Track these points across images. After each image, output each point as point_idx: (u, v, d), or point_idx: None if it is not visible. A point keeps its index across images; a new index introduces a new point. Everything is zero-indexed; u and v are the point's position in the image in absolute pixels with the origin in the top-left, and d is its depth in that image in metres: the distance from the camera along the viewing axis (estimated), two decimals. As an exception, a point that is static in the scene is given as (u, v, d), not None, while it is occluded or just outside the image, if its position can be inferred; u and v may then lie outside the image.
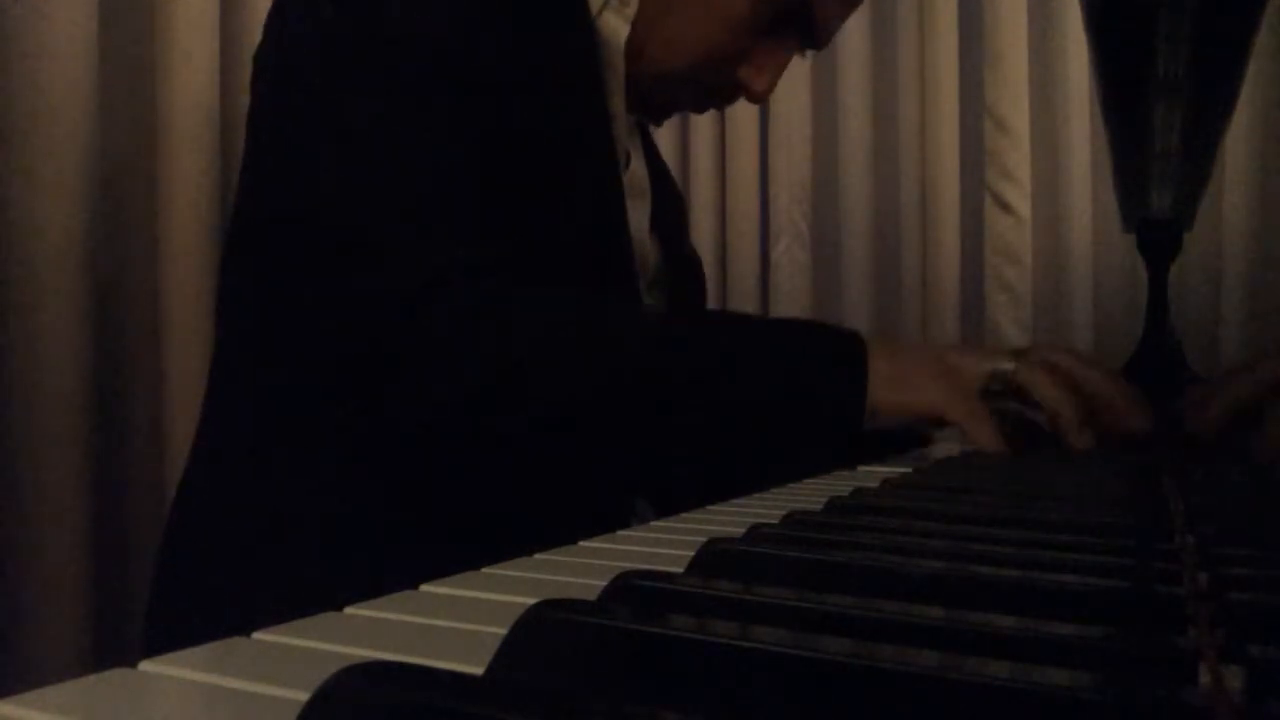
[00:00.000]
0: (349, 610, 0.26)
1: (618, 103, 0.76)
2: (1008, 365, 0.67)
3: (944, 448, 0.74)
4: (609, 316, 0.67)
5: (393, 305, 0.61)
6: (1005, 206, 1.30)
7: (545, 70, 0.70)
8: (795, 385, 0.65)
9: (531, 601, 0.21)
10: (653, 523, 0.42)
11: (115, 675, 0.20)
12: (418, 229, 0.63)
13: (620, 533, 0.39)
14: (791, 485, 0.54)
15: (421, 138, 0.64)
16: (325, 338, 0.64)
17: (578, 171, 0.72)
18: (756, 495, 0.50)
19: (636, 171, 0.82)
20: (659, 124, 0.89)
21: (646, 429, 0.65)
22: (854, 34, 1.38)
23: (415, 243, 0.63)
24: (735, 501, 0.47)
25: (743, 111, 1.43)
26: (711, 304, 1.46)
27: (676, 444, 0.65)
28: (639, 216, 0.82)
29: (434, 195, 0.64)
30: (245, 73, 0.74)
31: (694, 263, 0.99)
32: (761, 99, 0.78)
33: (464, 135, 0.65)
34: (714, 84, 0.78)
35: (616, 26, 0.74)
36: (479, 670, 0.20)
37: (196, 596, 0.68)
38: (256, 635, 0.24)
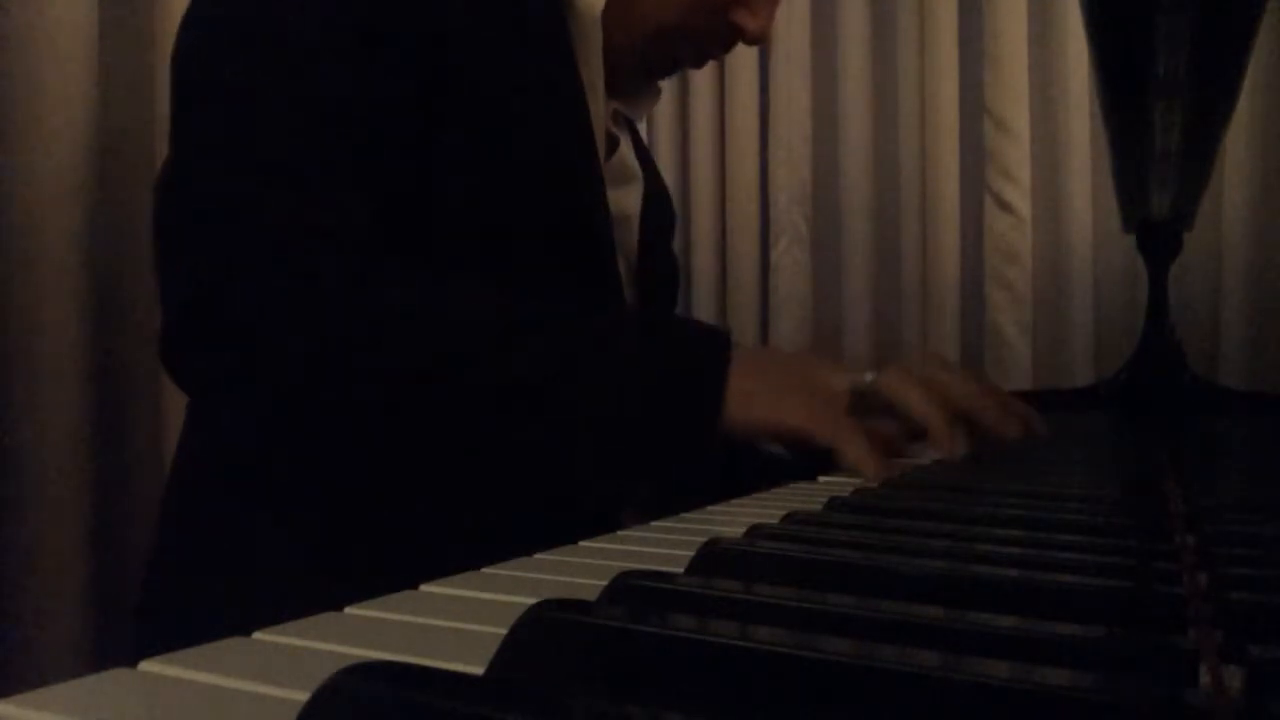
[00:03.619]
0: (349, 610, 0.26)
1: (594, 74, 0.74)
2: (867, 377, 0.64)
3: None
4: (453, 300, 0.63)
5: (246, 266, 0.59)
6: (1005, 206, 1.31)
7: (497, 35, 0.68)
8: (635, 399, 0.60)
9: (531, 601, 0.21)
10: (653, 523, 0.42)
11: (115, 675, 0.20)
12: (282, 188, 0.61)
13: (620, 533, 0.39)
14: (792, 485, 0.54)
15: (301, 96, 0.62)
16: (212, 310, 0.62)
17: (545, 142, 0.70)
18: (756, 495, 0.50)
19: (625, 156, 0.81)
20: (654, 84, 0.86)
21: (473, 429, 0.60)
22: (854, 34, 1.38)
23: (275, 202, 0.60)
24: (735, 501, 0.47)
25: (743, 112, 1.43)
26: (711, 304, 1.46)
27: (515, 447, 0.60)
28: (630, 199, 0.81)
29: (303, 156, 0.62)
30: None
31: (667, 267, 0.97)
32: (759, 40, 0.76)
33: (367, 94, 0.63)
34: (708, 31, 0.76)
35: None
36: (479, 670, 0.20)
37: (187, 595, 0.68)
38: (256, 635, 0.24)
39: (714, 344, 0.64)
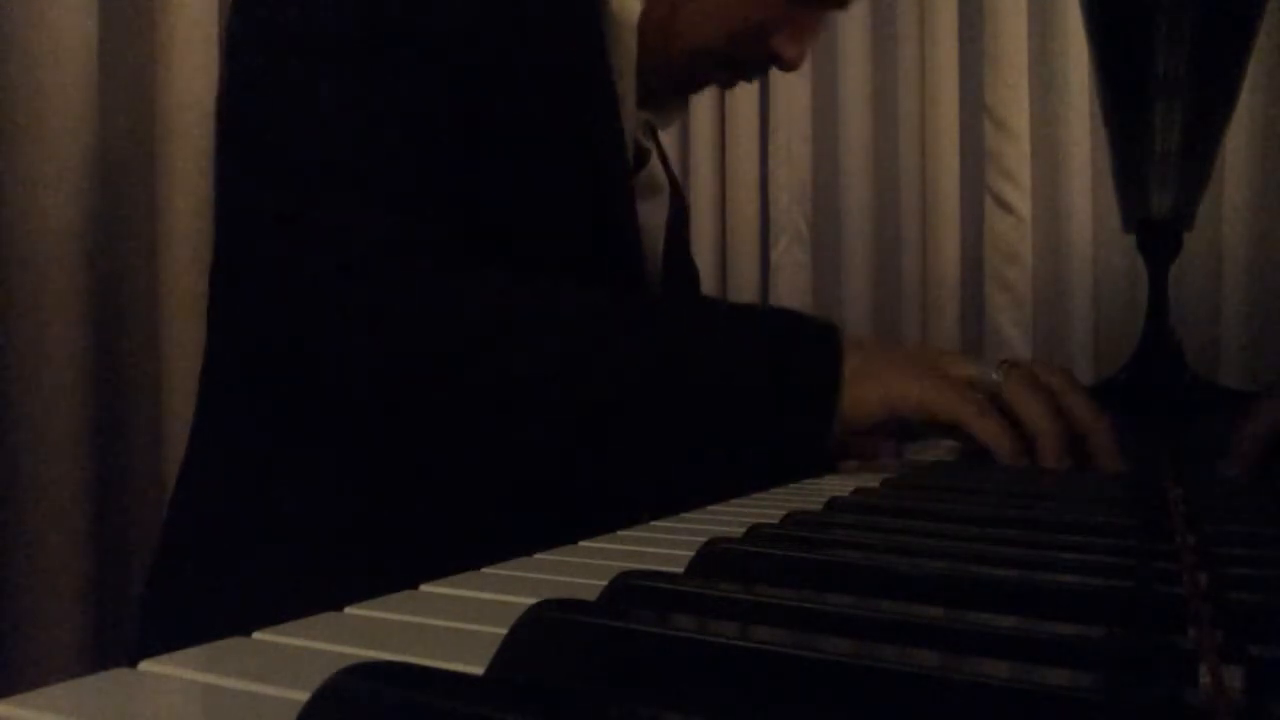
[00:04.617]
0: (349, 610, 0.26)
1: (626, 87, 0.73)
2: (995, 375, 0.61)
3: (941, 450, 0.74)
4: (545, 298, 0.63)
5: (313, 280, 0.59)
6: (1005, 206, 1.30)
7: (538, 43, 0.68)
8: (755, 377, 0.60)
9: (531, 601, 0.21)
10: (653, 523, 0.42)
11: (115, 675, 0.20)
12: (346, 202, 0.61)
13: (620, 533, 0.39)
14: (791, 485, 0.54)
15: (358, 107, 0.62)
16: (271, 322, 0.62)
17: (578, 154, 0.70)
18: (756, 495, 0.50)
19: (654, 169, 0.81)
20: (684, 97, 0.85)
21: (586, 423, 0.60)
22: (854, 34, 1.38)
23: (341, 216, 0.60)
24: (735, 501, 0.47)
25: (743, 112, 1.43)
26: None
27: (625, 436, 0.60)
28: (658, 211, 0.81)
29: (367, 167, 0.61)
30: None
31: (690, 272, 0.97)
32: (795, 67, 0.76)
33: (411, 104, 0.62)
34: (747, 56, 0.76)
35: (627, 3, 0.72)
36: (479, 670, 0.20)
37: (193, 595, 0.68)
38: (256, 635, 0.24)
39: (825, 327, 0.62)
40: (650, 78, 0.75)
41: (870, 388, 0.59)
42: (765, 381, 0.60)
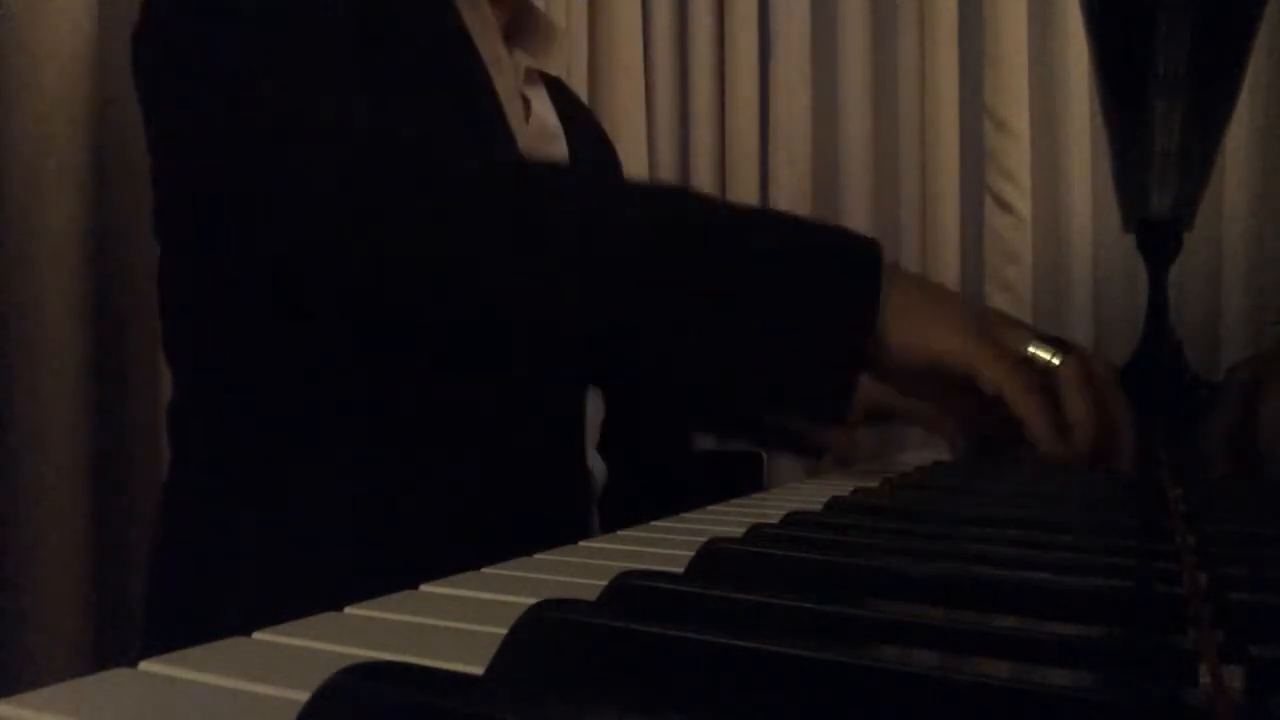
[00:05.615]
0: (349, 610, 0.26)
1: (493, 47, 0.72)
2: (1054, 358, 0.56)
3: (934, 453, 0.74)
4: (564, 183, 0.59)
5: (303, 182, 0.56)
6: (1005, 206, 1.30)
7: (400, 14, 0.66)
8: (784, 291, 0.53)
9: (531, 601, 0.21)
10: (653, 523, 0.42)
11: (115, 675, 0.20)
12: (305, 77, 0.58)
13: (620, 533, 0.39)
14: (791, 485, 0.54)
15: (280, 19, 0.60)
16: (246, 228, 0.60)
17: (455, 116, 0.68)
18: (756, 495, 0.50)
19: (542, 116, 0.80)
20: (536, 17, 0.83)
21: (599, 316, 0.55)
22: (854, 34, 1.38)
23: (307, 88, 0.58)
24: (735, 501, 0.48)
25: (743, 112, 1.43)
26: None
27: (636, 340, 0.55)
28: (554, 159, 0.79)
29: (319, 48, 0.60)
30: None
31: None
32: None
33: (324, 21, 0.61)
34: None
35: None
36: (479, 670, 0.20)
37: (193, 595, 0.68)
38: (256, 635, 0.24)
39: (869, 248, 0.55)
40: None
41: (916, 331, 0.53)
42: (791, 290, 0.53)
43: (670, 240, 0.55)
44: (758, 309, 0.53)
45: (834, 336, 0.53)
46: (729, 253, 0.54)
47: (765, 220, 0.61)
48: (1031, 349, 0.57)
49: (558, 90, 0.88)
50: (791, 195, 1.41)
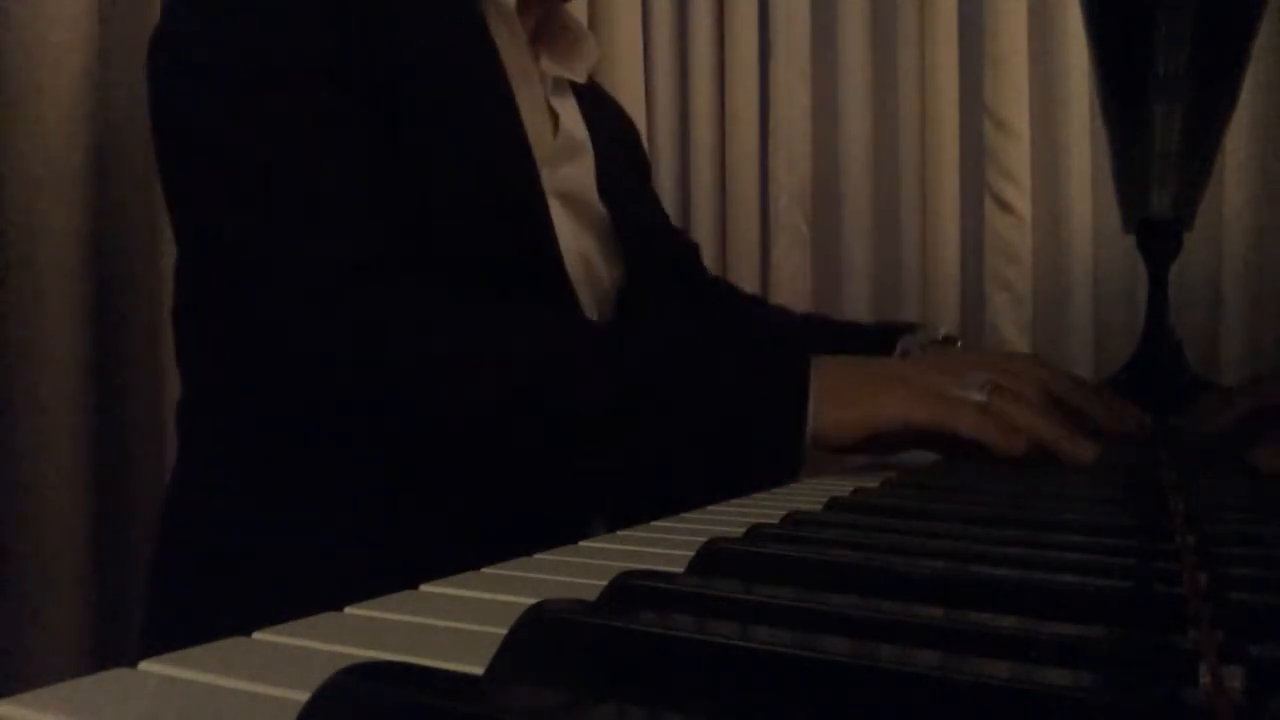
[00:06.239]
0: (349, 610, 0.26)
1: (520, 59, 0.73)
2: (979, 396, 0.60)
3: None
4: (515, 327, 0.63)
5: (280, 312, 0.60)
6: (1005, 206, 1.31)
7: (426, 55, 0.68)
8: (718, 413, 0.59)
9: (531, 601, 0.21)
10: (653, 523, 0.42)
11: (115, 675, 0.20)
12: (300, 231, 0.61)
13: (620, 532, 0.39)
14: (791, 485, 0.54)
15: (294, 145, 0.62)
16: (246, 355, 0.64)
17: (480, 152, 0.69)
18: (757, 495, 0.50)
19: (571, 129, 0.80)
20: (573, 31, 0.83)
21: (550, 456, 0.61)
22: (854, 34, 1.38)
23: (299, 245, 0.61)
24: (735, 501, 0.47)
25: (743, 113, 1.43)
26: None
27: (586, 471, 0.61)
28: (581, 173, 0.80)
29: (314, 196, 0.62)
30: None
31: (657, 228, 0.94)
32: None
33: (341, 135, 0.63)
34: None
35: None
36: (479, 670, 0.20)
37: (193, 595, 0.68)
38: (256, 635, 0.24)
39: (789, 351, 0.62)
40: (536, 17, 0.76)
41: (848, 409, 0.59)
42: (729, 413, 0.59)
43: (614, 419, 0.60)
44: (700, 445, 0.60)
45: (770, 445, 0.59)
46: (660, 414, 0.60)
47: (699, 356, 0.64)
48: (959, 394, 0.60)
49: (585, 94, 0.87)
50: (791, 195, 1.41)
